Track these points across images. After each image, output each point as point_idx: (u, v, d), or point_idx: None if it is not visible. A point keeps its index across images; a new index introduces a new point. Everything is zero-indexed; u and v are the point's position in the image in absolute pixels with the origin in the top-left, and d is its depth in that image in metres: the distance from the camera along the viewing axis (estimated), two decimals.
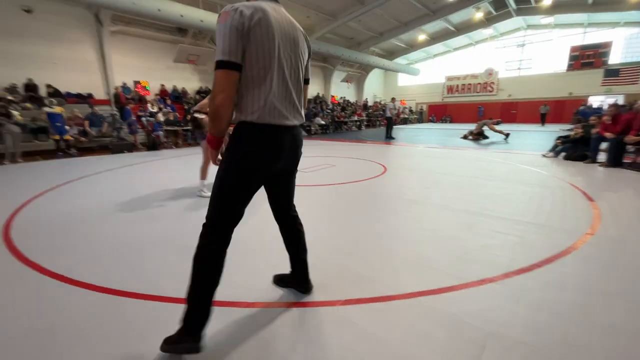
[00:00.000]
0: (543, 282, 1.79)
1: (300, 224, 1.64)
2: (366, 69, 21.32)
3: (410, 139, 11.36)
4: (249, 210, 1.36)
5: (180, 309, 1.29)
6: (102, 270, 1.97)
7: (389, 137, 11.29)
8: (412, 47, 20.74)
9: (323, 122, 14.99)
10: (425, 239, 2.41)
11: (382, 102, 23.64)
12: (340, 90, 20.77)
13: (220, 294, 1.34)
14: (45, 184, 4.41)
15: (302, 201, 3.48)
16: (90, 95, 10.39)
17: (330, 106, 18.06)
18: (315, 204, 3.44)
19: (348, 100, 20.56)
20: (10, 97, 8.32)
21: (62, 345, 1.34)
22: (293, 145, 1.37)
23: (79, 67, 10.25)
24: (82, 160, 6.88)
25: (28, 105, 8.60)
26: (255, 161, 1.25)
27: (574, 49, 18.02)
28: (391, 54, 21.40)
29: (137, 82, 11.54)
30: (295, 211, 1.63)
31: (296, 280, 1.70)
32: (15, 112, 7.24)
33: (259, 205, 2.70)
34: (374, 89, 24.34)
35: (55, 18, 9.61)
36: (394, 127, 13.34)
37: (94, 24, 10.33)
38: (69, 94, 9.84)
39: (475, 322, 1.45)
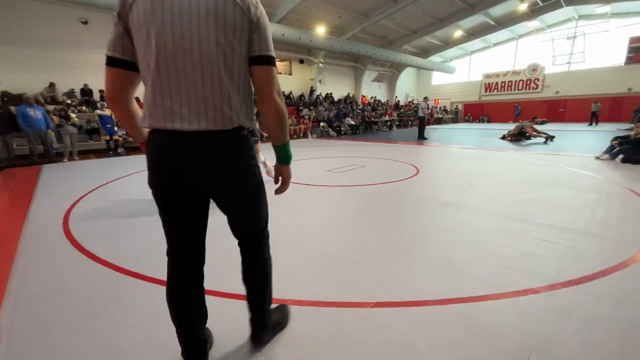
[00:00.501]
0: (596, 297, 1.62)
1: (262, 266, 1.24)
2: (398, 67, 20.84)
3: (444, 139, 10.92)
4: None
5: (230, 304, 1.34)
6: (147, 259, 2.11)
7: (421, 138, 10.94)
8: (448, 44, 19.93)
9: (353, 123, 14.89)
10: (460, 244, 2.29)
11: (415, 102, 23.02)
12: (371, 90, 20.52)
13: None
14: (98, 180, 4.82)
15: (332, 201, 3.48)
16: (137, 99, 11.18)
17: (361, 106, 17.90)
18: (345, 204, 3.41)
19: (379, 100, 20.25)
20: (68, 101, 9.24)
21: (106, 329, 1.46)
22: (199, 159, 0.97)
23: None
24: (128, 159, 7.43)
25: (84, 108, 9.48)
26: (150, 177, 1.02)
27: (633, 40, 16.25)
28: (425, 52, 20.73)
29: None
30: (258, 246, 1.23)
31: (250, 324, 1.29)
32: (72, 115, 8.01)
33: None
34: (406, 88, 23.74)
35: (106, 28, 10.47)
36: (427, 127, 12.86)
37: None
38: None
39: (515, 335, 1.35)
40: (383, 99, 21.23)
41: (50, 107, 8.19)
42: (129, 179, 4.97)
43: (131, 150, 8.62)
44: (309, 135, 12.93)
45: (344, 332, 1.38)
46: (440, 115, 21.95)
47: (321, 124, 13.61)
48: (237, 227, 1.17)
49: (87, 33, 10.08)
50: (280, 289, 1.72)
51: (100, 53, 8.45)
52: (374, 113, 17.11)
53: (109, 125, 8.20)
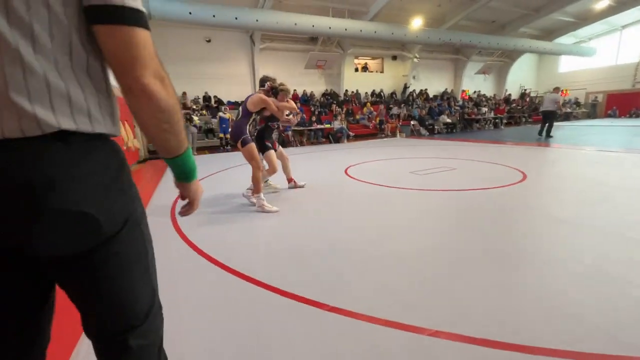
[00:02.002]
0: None
1: None
2: (511, 55, 17.83)
3: (573, 138, 8.76)
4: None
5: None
6: (238, 254, 2.36)
7: (547, 136, 8.89)
8: (585, 19, 15.90)
9: (449, 120, 13.50)
10: (576, 277, 1.76)
11: (531, 93, 19.30)
12: (474, 83, 18.21)
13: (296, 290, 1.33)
14: (209, 171, 5.71)
15: (408, 206, 3.20)
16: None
17: (460, 102, 16.08)
18: (424, 210, 3.09)
19: (483, 95, 17.79)
20: (194, 107, 11.27)
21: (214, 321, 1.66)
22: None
23: (236, 81, 12.81)
24: (234, 154, 8.56)
25: (204, 112, 11.40)
26: None
27: None
28: (550, 33, 17.10)
29: None
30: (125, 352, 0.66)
31: None
32: (195, 118, 9.72)
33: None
34: (520, 79, 20.12)
35: (225, 44, 12.31)
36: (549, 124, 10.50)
37: (249, 45, 12.68)
38: (228, 102, 12.47)
39: None
40: (489, 93, 18.55)
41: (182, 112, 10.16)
42: (232, 170, 5.71)
43: (235, 147, 9.93)
44: (397, 134, 12.35)
45: (388, 357, 1.22)
46: (569, 110, 17.81)
47: (412, 122, 12.82)
48: (93, 322, 0.65)
49: (209, 49, 12.07)
50: (334, 296, 1.65)
51: (218, 67, 10.19)
52: (475, 109, 15.12)
53: (224, 126, 9.66)
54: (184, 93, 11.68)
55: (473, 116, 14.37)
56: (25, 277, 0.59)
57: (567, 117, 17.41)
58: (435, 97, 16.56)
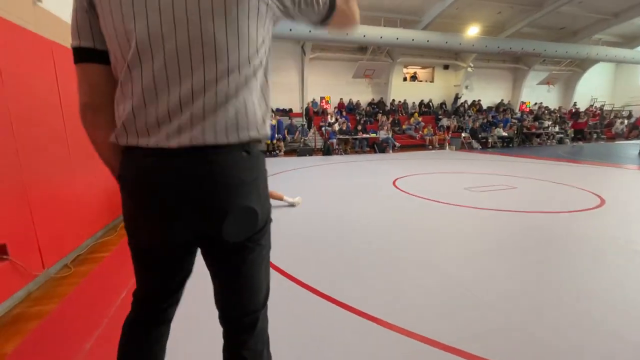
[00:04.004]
0: None
1: None
2: (582, 64, 16.18)
3: None
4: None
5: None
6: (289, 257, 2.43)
7: None
8: None
9: (505, 134, 12.57)
10: None
11: (605, 107, 17.26)
12: (534, 94, 16.81)
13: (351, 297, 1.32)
14: None
15: (467, 226, 3.02)
16: (290, 110, 13.28)
17: (518, 115, 14.92)
18: (485, 231, 2.89)
19: (546, 107, 16.31)
20: None
21: None
22: (192, 189, 0.65)
23: (285, 89, 13.30)
24: (280, 160, 8.86)
25: None
26: (125, 219, 0.74)
27: None
28: (631, 40, 15.22)
29: (322, 98, 13.71)
30: (252, 342, 0.79)
31: None
32: None
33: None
34: (592, 91, 18.10)
35: (277, 53, 12.89)
36: (627, 142, 9.31)
37: (299, 54, 13.13)
38: (277, 109, 12.98)
39: None
40: (553, 106, 16.96)
41: None
42: (277, 176, 5.91)
43: (287, 153, 10.25)
44: (447, 147, 11.80)
45: None
46: None
47: (462, 134, 12.17)
48: (230, 303, 0.79)
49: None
50: (393, 314, 1.60)
51: (272, 75, 11.00)
52: (536, 123, 13.90)
53: (271, 132, 10.05)
54: None
55: (533, 130, 13.22)
56: (193, 253, 0.80)
57: None
58: (489, 108, 15.58)
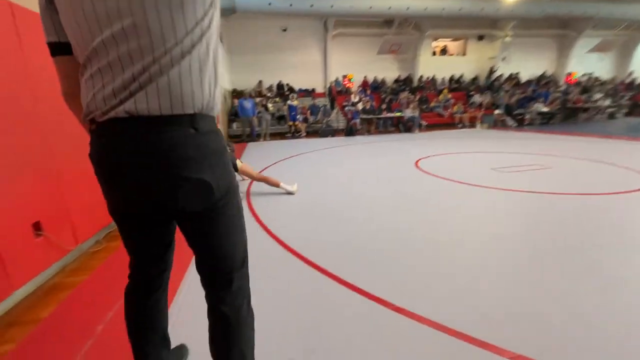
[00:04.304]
0: None
1: (231, 324, 0.87)
2: None
3: None
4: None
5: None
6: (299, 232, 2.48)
7: None
8: None
9: (545, 109, 11.54)
10: None
11: None
12: (583, 64, 15.12)
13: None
14: (280, 156, 6.04)
15: (483, 208, 2.87)
16: (313, 90, 13.09)
17: (563, 87, 13.58)
18: (504, 214, 2.73)
19: (596, 78, 14.66)
20: (268, 94, 11.93)
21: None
22: (141, 162, 0.71)
23: (308, 68, 13.07)
24: (302, 141, 8.86)
25: (277, 100, 11.99)
26: (102, 187, 0.81)
27: None
28: None
29: (344, 76, 13.33)
30: (229, 298, 0.87)
31: None
32: (269, 105, 10.30)
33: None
34: None
35: (299, 32, 12.60)
36: None
37: (322, 31, 12.73)
38: (299, 90, 12.84)
39: None
40: (605, 76, 15.20)
41: (257, 100, 10.87)
42: (301, 157, 5.93)
43: (306, 134, 10.24)
44: (478, 125, 11.11)
45: None
46: None
47: (496, 111, 11.36)
48: (207, 263, 0.87)
49: (285, 38, 12.51)
50: (401, 296, 1.59)
51: (292, 55, 10.52)
52: (583, 96, 12.59)
53: (293, 113, 10.04)
54: (260, 81, 12.42)
55: (580, 104, 11.98)
56: (167, 224, 0.89)
57: None
58: (529, 82, 14.30)
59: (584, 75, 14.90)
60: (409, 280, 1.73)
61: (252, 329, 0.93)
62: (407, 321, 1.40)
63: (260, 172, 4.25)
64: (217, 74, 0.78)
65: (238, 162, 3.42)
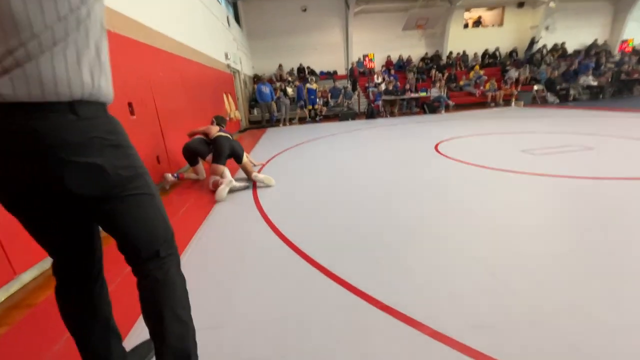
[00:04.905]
0: None
1: (155, 289, 0.88)
2: None
3: None
4: None
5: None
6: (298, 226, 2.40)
7: None
8: None
9: (594, 83, 10.31)
10: None
11: None
12: None
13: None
14: (296, 141, 5.95)
15: (505, 195, 2.58)
16: (335, 72, 12.70)
17: (617, 57, 12.02)
18: (528, 202, 2.44)
19: None
20: (289, 79, 11.75)
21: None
22: (21, 147, 0.70)
23: (329, 50, 12.65)
24: (320, 126, 8.68)
25: (297, 83, 11.79)
26: None
27: None
28: None
29: (365, 56, 12.75)
30: (156, 266, 0.89)
31: None
32: (289, 89, 10.15)
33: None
34: None
35: (318, 11, 12.14)
36: None
37: (343, 9, 12.17)
38: (321, 72, 12.51)
39: None
40: None
41: (277, 84, 10.75)
42: (317, 141, 5.80)
43: (324, 118, 10.02)
44: (512, 103, 10.21)
45: None
46: None
47: (535, 87, 10.33)
48: (123, 245, 0.88)
49: (304, 19, 12.13)
50: (396, 295, 1.45)
51: (312, 36, 10.28)
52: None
53: (312, 97, 9.83)
54: (280, 65, 12.25)
55: (636, 76, 10.55)
56: (73, 213, 0.83)
57: None
58: (576, 52, 12.81)
59: None
60: (399, 275, 1.58)
61: (185, 291, 0.94)
62: (388, 317, 1.27)
63: (264, 164, 4.22)
64: (101, 64, 0.77)
65: (245, 156, 3.38)
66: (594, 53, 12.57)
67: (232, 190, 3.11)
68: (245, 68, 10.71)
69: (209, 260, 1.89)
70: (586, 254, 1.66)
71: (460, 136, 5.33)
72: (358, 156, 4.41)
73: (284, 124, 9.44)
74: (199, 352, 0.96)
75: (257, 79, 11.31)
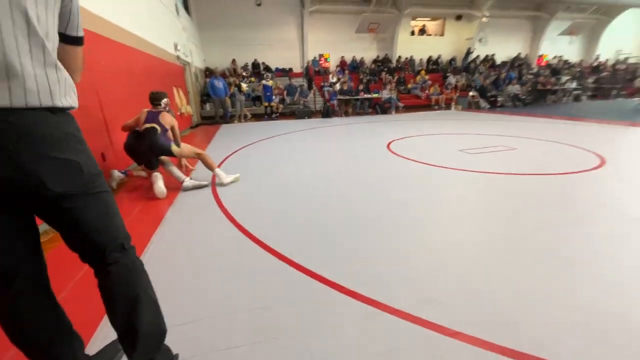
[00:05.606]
0: None
1: (128, 275, 0.93)
2: (610, 11, 14.68)
3: None
4: None
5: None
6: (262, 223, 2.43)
7: None
8: None
9: (517, 92, 11.86)
10: None
11: (630, 59, 15.95)
12: (555, 47, 15.56)
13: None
14: (252, 139, 5.88)
15: (445, 188, 2.94)
16: (290, 70, 12.69)
17: (535, 69, 13.96)
18: (463, 195, 2.81)
19: (566, 61, 15.16)
20: (244, 74, 11.45)
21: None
22: None
23: (285, 46, 12.61)
24: (277, 123, 8.65)
25: (252, 79, 11.54)
26: None
27: None
28: None
29: (321, 55, 12.99)
30: (122, 257, 0.93)
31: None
32: (243, 85, 9.90)
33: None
34: (619, 42, 16.60)
35: (274, 7, 12.01)
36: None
37: (299, 7, 12.21)
38: (276, 69, 12.41)
39: None
40: (574, 59, 15.74)
41: (231, 79, 10.41)
42: (275, 139, 5.80)
43: (280, 115, 10.00)
44: (452, 107, 11.29)
45: (407, 355, 1.16)
46: None
47: (470, 93, 11.55)
48: (78, 242, 0.89)
49: (259, 14, 11.91)
50: (354, 279, 1.60)
51: (267, 32, 10.14)
52: (553, 79, 13.01)
53: (268, 94, 9.71)
54: (234, 60, 11.87)
55: (549, 86, 12.39)
56: (17, 212, 0.81)
57: None
58: (504, 63, 14.57)
59: (554, 57, 15.36)
60: (358, 261, 1.75)
61: (147, 275, 1.00)
62: (364, 307, 1.42)
63: (222, 162, 4.11)
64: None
65: (173, 146, 2.99)
66: (517, 65, 14.44)
67: (186, 189, 3.03)
68: (196, 60, 10.18)
69: (174, 258, 1.85)
70: (506, 238, 2.01)
71: (408, 136, 5.79)
72: (317, 153, 4.55)
73: (239, 121, 9.21)
74: (176, 346, 1.01)
75: (209, 72, 10.82)
